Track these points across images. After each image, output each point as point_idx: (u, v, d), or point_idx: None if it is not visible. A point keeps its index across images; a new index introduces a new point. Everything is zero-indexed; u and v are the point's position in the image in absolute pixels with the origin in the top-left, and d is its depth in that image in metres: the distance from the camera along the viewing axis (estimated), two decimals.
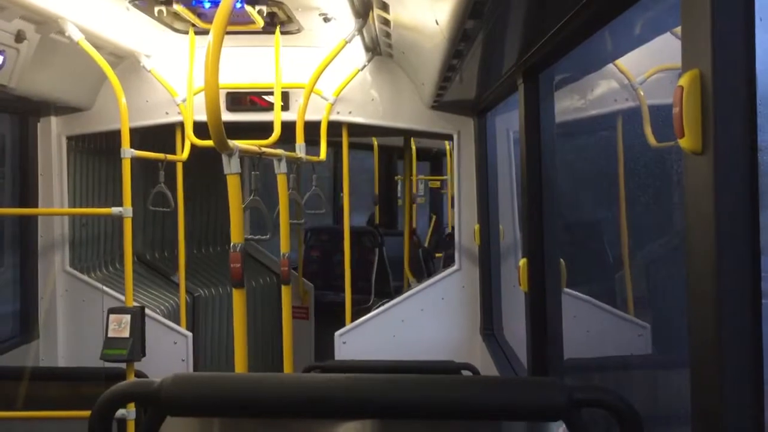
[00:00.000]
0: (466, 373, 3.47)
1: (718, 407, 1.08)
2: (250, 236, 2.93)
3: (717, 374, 1.09)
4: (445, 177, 9.74)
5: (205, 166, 5.38)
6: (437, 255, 8.77)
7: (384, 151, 9.02)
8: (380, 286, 7.21)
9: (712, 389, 1.10)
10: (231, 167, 2.32)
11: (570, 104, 3.38)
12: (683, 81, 1.11)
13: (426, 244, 9.28)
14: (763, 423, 1.08)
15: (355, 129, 4.61)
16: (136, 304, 3.86)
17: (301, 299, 6.28)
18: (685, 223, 1.17)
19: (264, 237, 3.30)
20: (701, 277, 1.13)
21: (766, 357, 1.09)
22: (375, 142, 8.39)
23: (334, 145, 8.72)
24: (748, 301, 1.08)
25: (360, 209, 9.14)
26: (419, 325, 4.41)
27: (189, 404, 1.30)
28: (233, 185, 2.37)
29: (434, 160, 10.42)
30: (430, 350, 4.26)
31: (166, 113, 4.44)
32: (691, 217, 1.15)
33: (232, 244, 2.43)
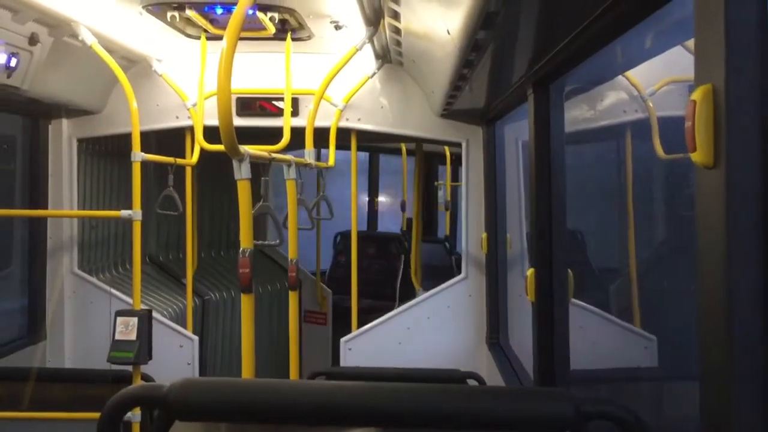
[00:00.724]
0: (471, 382, 3.46)
1: (729, 417, 1.08)
2: (259, 242, 2.93)
3: (727, 389, 1.08)
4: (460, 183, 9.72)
5: (218, 170, 5.40)
6: None
7: (425, 157, 9.01)
8: (405, 292, 7.18)
9: (722, 406, 1.09)
10: (242, 173, 2.33)
11: (579, 114, 3.38)
12: (696, 95, 1.11)
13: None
14: None
15: (364, 135, 4.62)
16: (143, 306, 3.87)
17: (319, 305, 6.27)
18: (697, 237, 1.17)
19: (274, 243, 3.31)
20: (712, 292, 1.13)
21: None
22: (404, 147, 8.35)
23: (369, 150, 8.67)
24: (759, 317, 1.08)
25: (392, 215, 9.09)
26: (425, 332, 4.41)
27: (197, 409, 1.31)
28: (244, 191, 2.38)
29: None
30: (435, 358, 4.26)
31: (177, 117, 4.47)
32: (702, 230, 1.15)
33: (241, 249, 2.44)
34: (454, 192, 10.16)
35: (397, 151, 8.51)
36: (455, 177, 10.44)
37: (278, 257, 6.34)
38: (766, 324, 1.08)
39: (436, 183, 9.55)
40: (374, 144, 7.89)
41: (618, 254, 3.45)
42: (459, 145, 4.50)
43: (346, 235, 7.76)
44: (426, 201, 9.43)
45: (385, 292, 6.93)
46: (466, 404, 1.29)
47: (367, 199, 9.48)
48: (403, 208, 8.92)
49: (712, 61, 1.09)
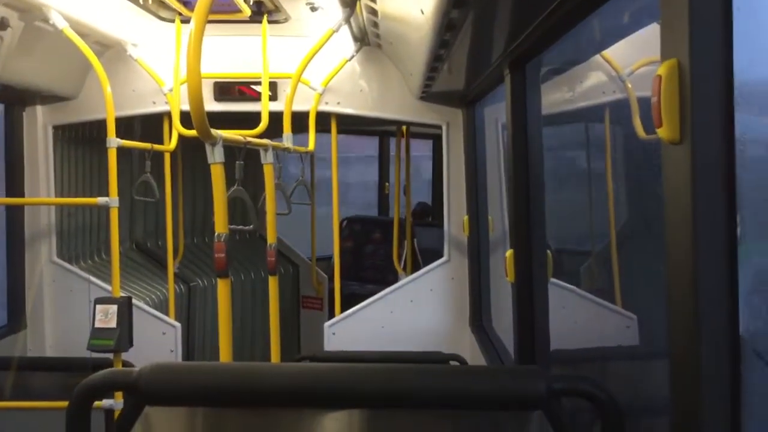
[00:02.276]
0: (453, 363, 3.48)
1: (696, 394, 1.09)
2: (233, 226, 2.90)
3: (695, 368, 1.09)
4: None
5: (201, 156, 5.35)
6: None
7: (437, 139, 8.90)
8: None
9: (690, 383, 1.10)
10: (215, 157, 2.31)
11: (559, 96, 3.37)
12: (662, 70, 1.10)
13: None
14: (740, 415, 1.09)
15: (343, 119, 4.60)
16: (126, 293, 3.84)
17: (315, 290, 6.26)
18: (664, 213, 1.17)
19: (247, 227, 3.29)
20: (679, 267, 1.13)
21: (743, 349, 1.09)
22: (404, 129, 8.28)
23: (382, 134, 8.56)
24: (726, 291, 1.08)
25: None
26: (408, 316, 4.42)
27: (168, 394, 1.30)
28: (217, 175, 2.36)
29: None
30: (419, 341, 4.27)
31: (153, 103, 4.42)
32: (669, 206, 1.15)
33: (216, 233, 2.42)
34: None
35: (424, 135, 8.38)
36: None
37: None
38: (732, 298, 1.08)
39: None
40: (383, 128, 7.77)
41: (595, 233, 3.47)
42: (439, 127, 4.49)
43: (353, 221, 7.72)
44: (434, 185, 9.35)
45: (388, 277, 6.95)
46: (439, 384, 1.29)
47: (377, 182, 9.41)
48: (404, 192, 8.86)
49: (676, 36, 1.08)
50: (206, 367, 1.33)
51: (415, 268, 7.08)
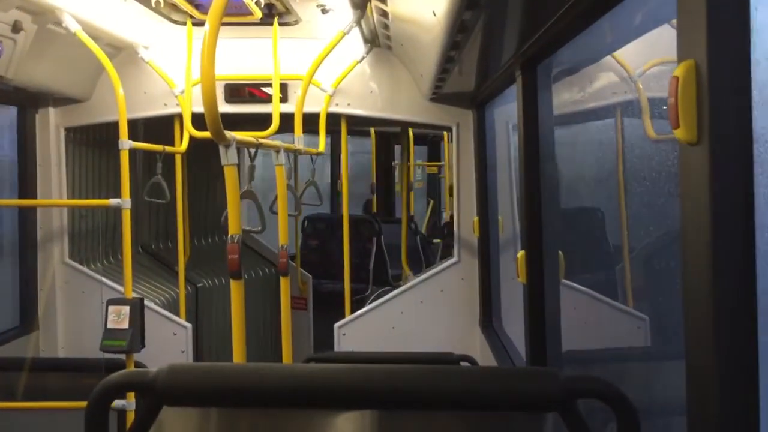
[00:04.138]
0: (464, 364, 3.48)
1: (712, 394, 1.08)
2: (246, 227, 2.92)
3: (712, 371, 1.08)
4: (442, 163, 9.66)
5: (208, 158, 5.37)
6: (435, 241, 8.69)
7: (381, 138, 8.91)
8: (378, 274, 7.18)
9: (707, 384, 1.10)
10: (228, 158, 2.32)
11: (569, 97, 3.37)
12: (678, 71, 1.10)
13: (423, 231, 9.21)
14: (758, 415, 1.08)
15: (353, 120, 4.60)
16: (135, 295, 3.86)
17: (300, 290, 6.28)
18: (681, 214, 1.17)
19: (256, 229, 3.30)
20: (696, 269, 1.12)
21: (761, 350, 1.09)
22: (372, 129, 8.32)
23: (332, 133, 8.67)
24: (744, 293, 1.08)
25: (356, 197, 9.06)
26: (418, 317, 4.42)
27: (185, 394, 1.30)
28: (231, 176, 2.37)
29: (432, 145, 10.33)
30: (429, 342, 4.27)
31: (165, 105, 4.44)
32: (686, 207, 1.15)
33: (229, 235, 2.43)
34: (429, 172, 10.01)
35: (365, 134, 8.44)
36: (435, 157, 10.32)
37: (255, 244, 6.32)
38: (750, 299, 1.08)
39: (393, 163, 9.48)
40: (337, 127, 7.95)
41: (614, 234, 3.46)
42: (449, 129, 4.48)
43: (313, 219, 7.70)
44: (384, 182, 9.36)
45: (358, 275, 6.96)
46: (454, 385, 1.29)
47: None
48: (372, 191, 8.86)
49: (694, 36, 1.08)
50: (224, 368, 1.34)
51: (382, 265, 7.10)
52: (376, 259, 7.20)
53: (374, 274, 7.14)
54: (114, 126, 4.00)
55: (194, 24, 4.03)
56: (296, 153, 4.05)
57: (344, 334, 4.40)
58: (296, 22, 4.06)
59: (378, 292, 6.70)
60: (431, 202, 10.14)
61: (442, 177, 9.93)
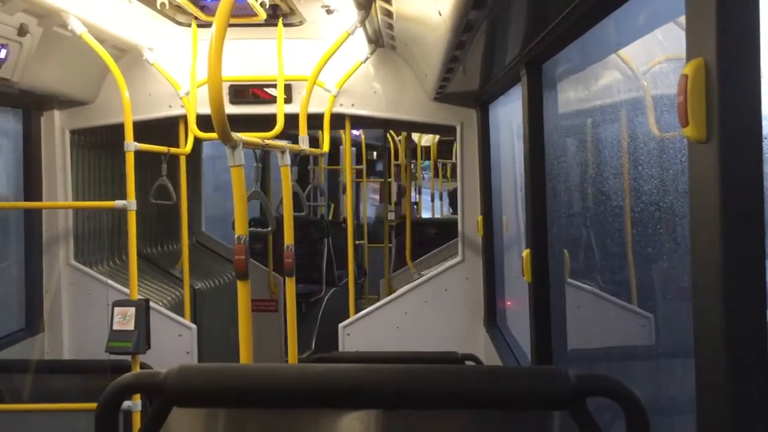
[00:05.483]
0: (470, 363, 3.48)
1: (723, 397, 1.08)
2: (252, 228, 2.92)
3: (721, 370, 1.08)
4: (340, 166, 9.63)
5: (191, 159, 5.35)
6: None
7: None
8: (331, 276, 7.19)
9: (716, 386, 1.10)
10: (235, 160, 2.32)
11: (574, 95, 3.36)
12: (687, 70, 1.10)
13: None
14: None
15: (357, 121, 4.61)
16: (140, 297, 3.87)
17: (270, 292, 6.33)
18: (689, 212, 1.17)
19: (266, 230, 3.30)
20: (706, 267, 1.13)
21: None
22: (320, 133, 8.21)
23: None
24: (753, 290, 1.08)
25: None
26: (423, 316, 4.42)
27: (195, 395, 1.31)
28: (237, 177, 2.37)
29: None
30: (434, 342, 4.27)
31: (170, 106, 4.44)
32: (695, 205, 1.15)
33: (236, 236, 2.44)
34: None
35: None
36: (331, 160, 10.21)
37: (217, 247, 6.33)
38: (760, 298, 1.08)
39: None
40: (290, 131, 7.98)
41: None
42: (453, 128, 4.49)
43: (257, 222, 7.70)
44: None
45: (311, 275, 6.98)
46: (463, 384, 1.29)
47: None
48: (322, 193, 8.81)
49: (703, 34, 1.08)
50: (233, 369, 1.34)
51: (330, 267, 7.11)
52: (329, 260, 7.22)
53: (327, 275, 7.15)
54: (118, 128, 4.00)
55: (199, 26, 4.04)
56: (300, 153, 4.05)
57: (349, 334, 4.40)
58: (300, 23, 4.06)
59: (329, 291, 6.77)
60: (333, 205, 10.03)
61: (341, 180, 9.84)
